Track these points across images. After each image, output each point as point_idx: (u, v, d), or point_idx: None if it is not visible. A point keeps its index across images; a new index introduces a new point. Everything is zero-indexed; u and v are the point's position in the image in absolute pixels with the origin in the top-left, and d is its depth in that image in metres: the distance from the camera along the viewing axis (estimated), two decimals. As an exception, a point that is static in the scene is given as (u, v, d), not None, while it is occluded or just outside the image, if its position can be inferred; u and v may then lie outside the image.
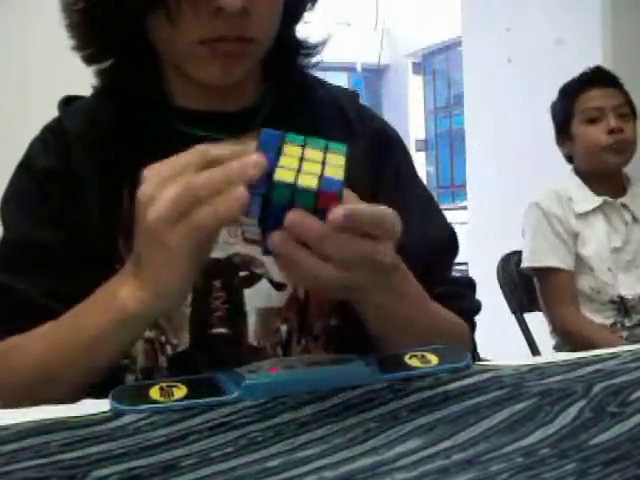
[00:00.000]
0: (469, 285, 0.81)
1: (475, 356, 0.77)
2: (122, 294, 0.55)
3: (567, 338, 1.70)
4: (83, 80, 0.77)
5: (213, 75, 0.69)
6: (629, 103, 1.78)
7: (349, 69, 15.20)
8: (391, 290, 0.59)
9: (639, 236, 1.75)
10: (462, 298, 0.77)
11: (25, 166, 0.75)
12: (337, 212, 0.48)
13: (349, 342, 0.71)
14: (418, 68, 16.46)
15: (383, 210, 0.52)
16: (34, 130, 0.77)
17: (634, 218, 1.76)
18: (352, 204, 0.51)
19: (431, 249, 0.75)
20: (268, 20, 0.69)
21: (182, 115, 0.74)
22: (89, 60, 0.74)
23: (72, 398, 0.62)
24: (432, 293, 0.69)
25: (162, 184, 0.51)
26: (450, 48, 13.86)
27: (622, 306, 1.69)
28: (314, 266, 0.50)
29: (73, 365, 0.60)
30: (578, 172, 1.82)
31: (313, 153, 0.51)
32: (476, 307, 0.80)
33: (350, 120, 0.79)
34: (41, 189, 0.72)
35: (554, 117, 1.87)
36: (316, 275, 0.51)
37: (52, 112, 0.77)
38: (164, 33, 0.67)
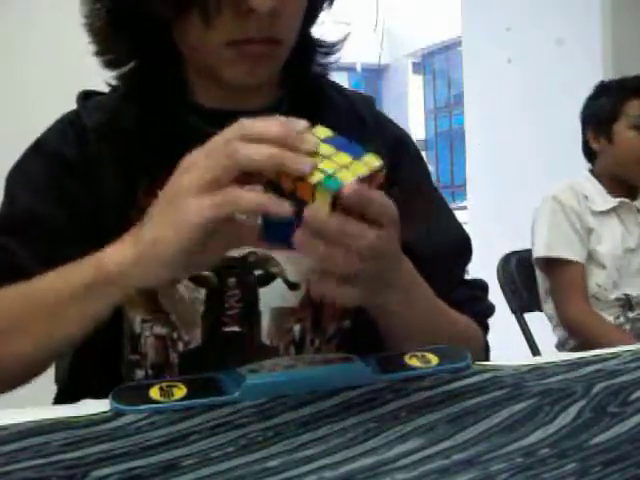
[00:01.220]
0: (482, 288, 0.81)
1: (487, 359, 0.78)
2: (104, 254, 0.56)
3: (576, 331, 1.70)
4: (87, 79, 0.77)
5: (239, 76, 0.68)
6: None
7: (349, 69, 15.18)
8: (405, 297, 0.60)
9: None
10: (476, 301, 0.78)
11: (38, 149, 0.74)
12: (351, 186, 0.49)
13: (361, 344, 0.71)
14: (418, 68, 16.46)
15: (385, 197, 0.52)
16: (37, 129, 0.76)
17: None
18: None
19: (449, 253, 0.76)
20: (295, 21, 0.69)
21: (202, 113, 0.74)
22: (110, 65, 0.74)
23: (38, 364, 0.62)
24: (449, 297, 0.69)
25: (207, 155, 0.52)
26: (450, 48, 13.85)
27: (627, 303, 1.70)
28: (337, 256, 0.50)
29: (41, 319, 0.59)
30: (594, 174, 1.81)
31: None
32: (490, 310, 0.80)
33: (366, 124, 0.79)
34: (53, 172, 0.71)
35: (592, 111, 1.83)
36: (342, 265, 0.51)
37: (55, 112, 0.77)
38: (192, 34, 0.66)
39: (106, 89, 0.77)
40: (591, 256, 1.72)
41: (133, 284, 0.57)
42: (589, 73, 1.91)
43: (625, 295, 1.70)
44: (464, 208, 3.91)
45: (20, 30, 1.91)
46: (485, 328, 0.79)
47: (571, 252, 1.70)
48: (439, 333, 0.66)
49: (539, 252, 1.75)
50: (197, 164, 0.52)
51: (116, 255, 0.55)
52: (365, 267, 0.51)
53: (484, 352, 0.77)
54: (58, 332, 0.59)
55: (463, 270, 0.80)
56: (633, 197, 1.80)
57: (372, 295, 0.57)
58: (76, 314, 0.58)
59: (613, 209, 1.76)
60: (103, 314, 0.59)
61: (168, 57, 0.73)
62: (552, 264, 1.74)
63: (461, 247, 0.80)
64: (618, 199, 1.76)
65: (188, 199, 0.51)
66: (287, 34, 0.68)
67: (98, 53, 0.73)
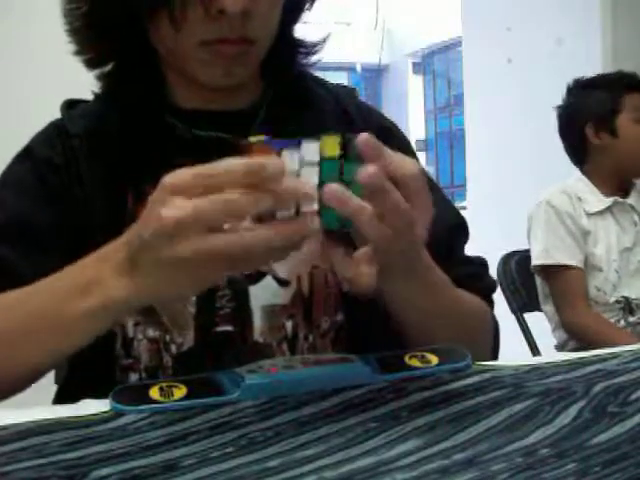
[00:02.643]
0: (483, 264, 0.82)
1: (497, 335, 0.79)
2: (105, 280, 0.53)
3: (582, 336, 1.68)
4: (84, 81, 0.78)
5: (215, 77, 0.70)
6: None
7: (349, 69, 15.18)
8: (418, 280, 0.60)
9: None
10: (479, 278, 0.79)
11: (26, 155, 0.74)
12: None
13: (356, 339, 0.71)
14: (418, 68, 16.44)
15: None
16: (34, 130, 0.77)
17: None
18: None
19: (447, 232, 0.77)
20: (269, 20, 0.69)
21: (184, 116, 0.74)
22: (91, 64, 0.74)
23: (29, 378, 0.61)
24: (450, 275, 0.70)
25: (189, 190, 0.48)
26: (450, 48, 13.84)
27: (627, 305, 1.69)
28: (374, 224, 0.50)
29: (40, 343, 0.58)
30: (587, 173, 1.80)
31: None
32: (492, 286, 0.81)
33: (350, 116, 0.80)
34: (41, 177, 0.71)
35: (588, 106, 1.79)
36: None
37: (52, 113, 0.77)
38: (166, 36, 0.67)
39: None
40: (588, 259, 1.71)
41: (138, 306, 0.58)
42: (589, 73, 1.90)
43: (624, 297, 1.69)
44: (464, 208, 3.92)
45: (19, 31, 1.91)
46: (490, 304, 0.79)
47: (569, 257, 1.69)
48: (453, 313, 0.67)
49: (537, 259, 1.74)
50: (182, 202, 0.48)
51: (118, 286, 0.53)
52: (389, 235, 0.51)
53: (494, 330, 0.78)
54: (55, 357, 0.59)
55: (462, 249, 0.81)
56: (625, 195, 1.79)
57: (393, 279, 0.58)
58: (81, 338, 0.58)
59: (608, 209, 1.75)
60: (104, 329, 0.58)
61: (146, 58, 0.74)
62: (551, 270, 1.73)
63: (458, 227, 0.81)
64: (612, 198, 1.75)
65: (176, 247, 0.48)
66: (261, 33, 0.68)
67: (78, 52, 0.73)
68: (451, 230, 0.79)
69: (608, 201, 1.74)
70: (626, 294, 1.69)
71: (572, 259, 1.69)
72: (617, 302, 1.69)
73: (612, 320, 1.69)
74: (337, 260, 0.53)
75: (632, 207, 1.77)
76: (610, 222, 1.74)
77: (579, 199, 1.74)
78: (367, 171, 0.48)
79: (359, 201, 0.49)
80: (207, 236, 0.47)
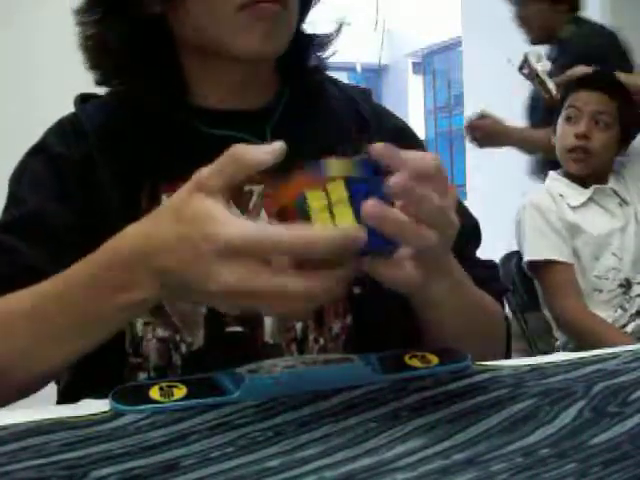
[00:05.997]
0: (494, 267, 0.83)
1: (509, 336, 0.80)
2: (147, 286, 0.53)
3: (571, 330, 1.70)
4: (85, 83, 0.78)
5: (254, 43, 0.69)
6: (621, 112, 1.76)
7: (349, 69, 15.17)
8: (446, 278, 0.60)
9: (634, 216, 1.77)
10: (490, 281, 0.79)
11: (40, 151, 0.74)
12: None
13: (364, 341, 0.71)
14: (418, 68, 16.44)
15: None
16: (38, 131, 0.77)
17: (624, 201, 1.79)
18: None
19: (461, 235, 0.77)
20: None
21: (200, 114, 0.74)
22: (105, 77, 0.75)
23: (43, 380, 0.62)
24: None
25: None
26: (450, 48, 13.84)
27: (627, 284, 1.71)
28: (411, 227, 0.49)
29: (66, 340, 0.58)
30: (565, 172, 1.82)
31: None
32: (504, 288, 0.82)
33: (365, 117, 0.80)
34: (57, 173, 0.71)
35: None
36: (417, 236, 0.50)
37: (56, 113, 0.77)
38: (198, 11, 0.67)
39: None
40: (581, 251, 1.72)
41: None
42: (589, 73, 1.91)
43: (626, 280, 1.71)
44: (464, 208, 3.93)
45: (24, 33, 1.91)
46: (502, 306, 0.80)
47: (556, 252, 1.71)
48: (475, 312, 0.68)
49: (526, 257, 1.76)
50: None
51: (153, 287, 0.53)
52: (435, 239, 0.51)
53: (507, 329, 0.79)
54: (75, 352, 0.59)
55: (474, 252, 0.81)
56: (604, 181, 1.80)
57: (426, 280, 0.57)
58: (104, 331, 0.58)
59: (590, 199, 1.76)
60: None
61: (164, 58, 0.73)
62: (540, 267, 1.74)
63: (471, 229, 0.81)
64: (592, 187, 1.77)
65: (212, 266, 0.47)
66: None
67: (92, 67, 0.74)
68: (466, 233, 0.78)
69: (588, 192, 1.77)
70: (629, 275, 1.71)
71: (560, 255, 1.71)
72: (621, 286, 1.70)
73: (612, 309, 1.70)
74: (374, 264, 0.52)
75: (614, 191, 1.79)
76: (596, 211, 1.76)
77: (561, 195, 1.76)
78: (395, 182, 0.48)
79: (399, 215, 0.49)
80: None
